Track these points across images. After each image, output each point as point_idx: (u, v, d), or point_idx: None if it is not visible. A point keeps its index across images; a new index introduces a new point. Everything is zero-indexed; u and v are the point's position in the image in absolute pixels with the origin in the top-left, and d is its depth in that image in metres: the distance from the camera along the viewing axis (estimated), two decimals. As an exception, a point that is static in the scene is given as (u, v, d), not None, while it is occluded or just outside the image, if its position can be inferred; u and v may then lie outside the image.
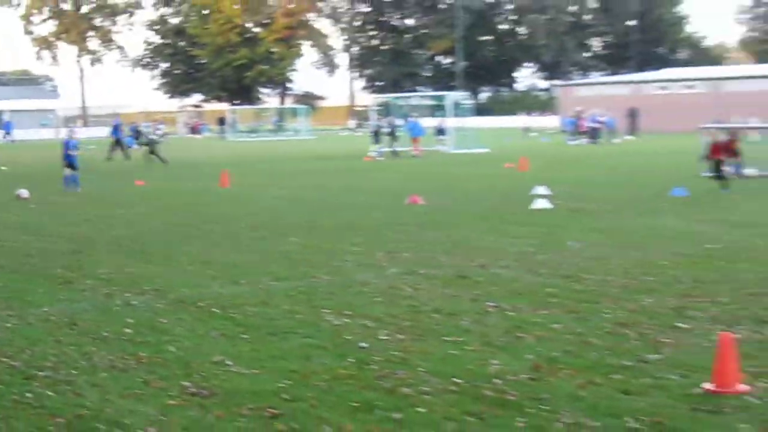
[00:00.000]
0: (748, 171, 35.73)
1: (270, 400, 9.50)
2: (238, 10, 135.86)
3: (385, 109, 75.46)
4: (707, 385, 9.51)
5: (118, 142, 54.66)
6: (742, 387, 9.41)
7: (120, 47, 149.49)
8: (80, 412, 9.30)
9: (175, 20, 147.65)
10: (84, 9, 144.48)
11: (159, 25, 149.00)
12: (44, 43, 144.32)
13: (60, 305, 14.64)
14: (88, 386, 10.18)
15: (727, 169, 29.87)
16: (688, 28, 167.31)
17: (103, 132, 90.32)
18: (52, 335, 12.67)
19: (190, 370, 10.69)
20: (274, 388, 9.88)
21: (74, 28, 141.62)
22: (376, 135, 57.81)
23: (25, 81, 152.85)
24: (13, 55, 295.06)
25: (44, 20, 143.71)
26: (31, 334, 12.75)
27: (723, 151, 29.19)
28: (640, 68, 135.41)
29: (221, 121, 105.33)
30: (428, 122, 68.61)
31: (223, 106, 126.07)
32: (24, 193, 33.26)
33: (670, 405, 9.05)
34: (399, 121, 66.34)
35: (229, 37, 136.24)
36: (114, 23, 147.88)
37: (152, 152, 52.08)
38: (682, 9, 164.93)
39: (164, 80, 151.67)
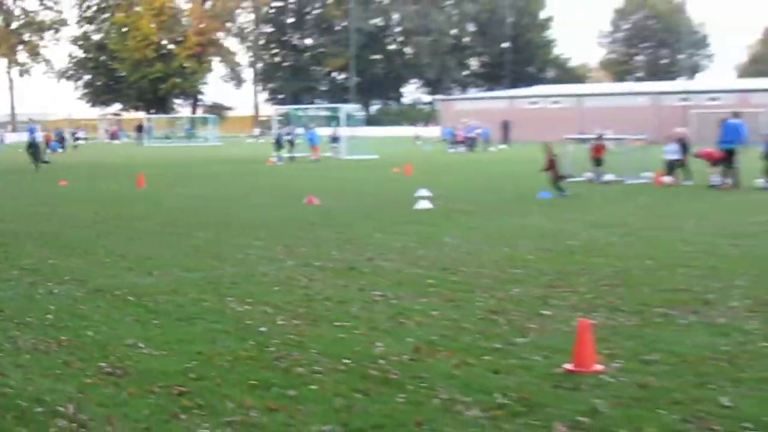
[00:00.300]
0: (607, 177, 36.32)
1: (178, 378, 9.44)
2: (154, 28, 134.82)
3: (286, 119, 75.38)
4: (567, 366, 9.61)
5: (30, 146, 52.38)
6: (598, 367, 9.53)
7: (47, 60, 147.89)
8: (4, 390, 9.14)
9: (97, 36, 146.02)
10: (14, 25, 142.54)
11: (82, 40, 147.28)
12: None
13: (-14, 294, 14.41)
14: (13, 367, 10.03)
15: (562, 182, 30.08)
16: (555, 50, 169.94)
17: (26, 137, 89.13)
18: (-21, 321, 12.46)
19: (106, 352, 10.57)
20: (181, 368, 9.82)
21: (4, 42, 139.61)
22: (278, 142, 57.76)
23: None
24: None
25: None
26: (-41, 320, 12.53)
27: (552, 166, 29.47)
28: (513, 85, 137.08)
29: (139, 129, 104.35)
30: (324, 131, 68.67)
31: (141, 115, 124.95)
32: None
33: (534, 383, 9.14)
34: (299, 130, 66.35)
35: (146, 52, 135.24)
36: (41, 38, 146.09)
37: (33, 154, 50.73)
38: (550, 33, 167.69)
39: (87, 90, 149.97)
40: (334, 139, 64.67)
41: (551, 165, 29.94)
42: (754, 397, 8.56)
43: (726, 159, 32.84)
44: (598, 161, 36.66)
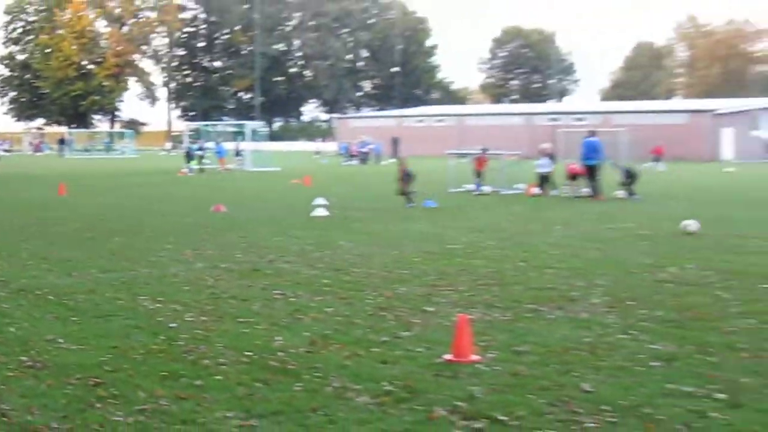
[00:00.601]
0: (485, 188, 36.66)
1: (94, 371, 9.29)
2: (75, 50, 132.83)
3: (197, 134, 74.77)
4: (447, 356, 9.66)
5: None
6: (475, 357, 9.59)
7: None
8: (-70, 383, 8.93)
9: (22, 56, 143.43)
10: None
11: (8, 60, 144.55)
12: None
13: None
14: (-62, 361, 9.79)
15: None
16: (440, 75, 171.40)
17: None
18: None
19: (27, 347, 10.37)
20: (97, 361, 9.67)
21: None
22: (189, 155, 57.38)
23: None
24: None
25: None
26: None
27: (403, 178, 29.53)
28: (402, 105, 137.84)
29: (61, 142, 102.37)
30: (229, 145, 68.44)
31: (62, 129, 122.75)
32: None
33: (418, 372, 9.18)
34: (208, 144, 65.93)
35: (68, 72, 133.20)
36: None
37: None
38: (434, 59, 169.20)
39: (12, 106, 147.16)
40: (237, 152, 64.62)
41: (403, 177, 29.91)
42: (612, 383, 8.70)
43: (588, 174, 33.34)
44: (479, 173, 36.95)
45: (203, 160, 57.93)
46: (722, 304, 12.61)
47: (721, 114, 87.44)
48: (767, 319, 11.51)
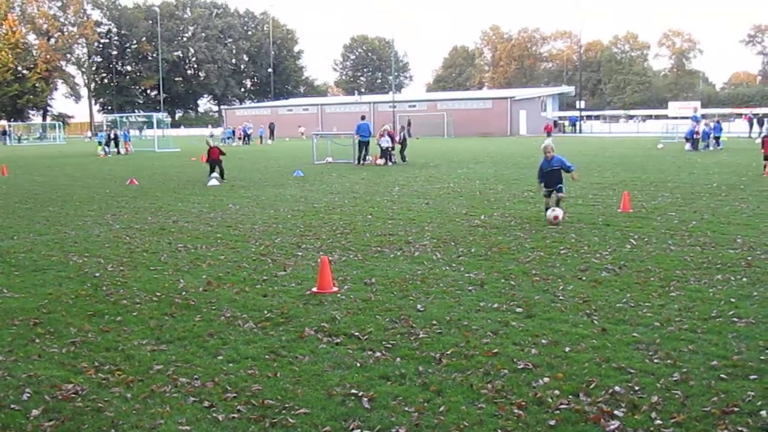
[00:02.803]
0: (329, 159, 36.81)
1: (33, 313, 8.97)
2: (11, 58, 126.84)
3: (113, 124, 72.47)
4: (314, 289, 9.68)
5: None
6: (335, 289, 9.64)
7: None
8: None
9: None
10: None
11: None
12: None
13: None
14: None
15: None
16: (305, 73, 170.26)
17: None
18: None
19: (-23, 297, 9.95)
20: (36, 306, 9.33)
21: None
22: (111, 139, 55.72)
23: None
24: None
25: None
26: None
27: (212, 156, 28.01)
28: (276, 98, 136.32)
29: (3, 133, 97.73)
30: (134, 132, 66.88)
31: (3, 123, 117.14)
32: None
33: (291, 302, 9.16)
34: (119, 132, 64.02)
35: (6, 76, 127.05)
36: None
37: None
38: (301, 62, 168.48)
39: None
40: (125, 136, 61.56)
41: (211, 155, 28.24)
42: (438, 304, 8.84)
43: (361, 146, 35.98)
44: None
45: (117, 145, 56.11)
46: (519, 242, 12.95)
47: (517, 100, 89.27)
48: (552, 252, 11.88)
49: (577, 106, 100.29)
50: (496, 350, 7.04)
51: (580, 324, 7.88)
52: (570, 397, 5.92)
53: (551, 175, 15.40)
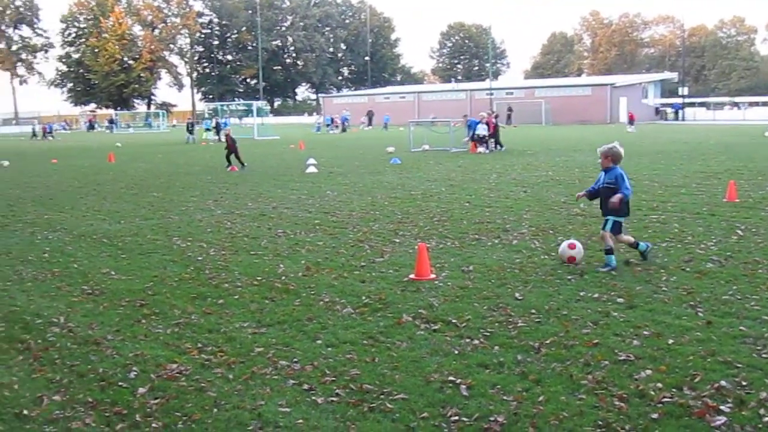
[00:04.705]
0: (425, 147, 36.77)
1: (139, 295, 9.27)
2: (118, 49, 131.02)
3: (214, 113, 74.07)
4: (411, 276, 9.69)
5: None
6: (432, 276, 9.64)
7: (40, 73, 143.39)
8: (13, 309, 8.88)
9: (76, 55, 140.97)
10: (13, 47, 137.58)
11: (66, 58, 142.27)
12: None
13: (-1, 240, 13.94)
14: (19, 292, 9.73)
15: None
16: (402, 61, 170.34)
17: (28, 129, 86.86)
18: (-7, 259, 12.05)
19: (87, 278, 10.33)
20: (142, 287, 9.65)
21: (7, 60, 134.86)
22: (213, 128, 57.40)
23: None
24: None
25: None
26: (-22, 259, 12.09)
27: (230, 146, 28.51)
28: (373, 86, 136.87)
29: (110, 121, 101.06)
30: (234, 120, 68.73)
31: (110, 111, 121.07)
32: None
33: (389, 288, 9.19)
34: (222, 120, 65.34)
35: (112, 66, 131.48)
36: (35, 57, 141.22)
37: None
38: (398, 50, 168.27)
39: (70, 95, 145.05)
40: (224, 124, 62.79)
41: (230, 145, 28.86)
42: (537, 293, 8.74)
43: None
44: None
45: (220, 132, 57.32)
46: (620, 231, 12.66)
47: (617, 87, 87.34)
48: (654, 242, 11.57)
49: (680, 93, 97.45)
50: (596, 341, 6.91)
51: (683, 316, 7.66)
52: (673, 390, 5.75)
53: (603, 195, 10.16)
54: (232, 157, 28.69)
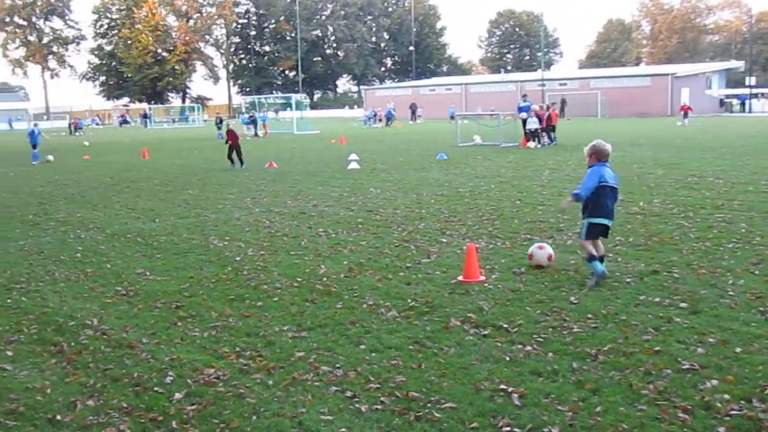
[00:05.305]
0: (476, 138, 36.69)
1: (175, 296, 9.37)
2: (151, 41, 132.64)
3: (251, 106, 74.61)
4: (459, 278, 9.67)
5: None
6: (482, 278, 9.60)
7: (71, 66, 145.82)
8: (45, 310, 9.03)
9: (108, 47, 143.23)
10: (45, 40, 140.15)
11: (98, 51, 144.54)
12: (17, 64, 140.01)
13: (31, 239, 14.18)
14: (51, 293, 9.90)
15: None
16: (448, 51, 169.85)
17: (62, 124, 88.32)
18: (26, 260, 12.26)
19: (121, 279, 10.48)
20: (178, 289, 9.75)
21: (38, 53, 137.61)
22: (252, 121, 58.06)
23: (4, 90, 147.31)
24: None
25: (16, 47, 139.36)
26: (10, 260, 12.31)
27: (232, 139, 27.96)
28: (417, 77, 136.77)
29: (144, 116, 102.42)
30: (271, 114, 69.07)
31: (144, 106, 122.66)
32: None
33: (436, 290, 9.18)
34: (260, 114, 65.80)
35: (146, 59, 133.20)
36: (66, 50, 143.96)
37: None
38: (443, 39, 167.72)
39: (102, 88, 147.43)
40: (263, 118, 63.24)
41: (233, 140, 28.26)
42: (593, 296, 8.66)
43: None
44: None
45: (255, 127, 57.79)
46: (683, 231, 12.51)
47: (679, 77, 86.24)
48: (720, 243, 11.42)
49: (747, 83, 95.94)
50: (657, 348, 6.83)
51: (752, 322, 7.54)
52: (742, 402, 5.66)
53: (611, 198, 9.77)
54: (234, 155, 28.06)
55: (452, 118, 71.88)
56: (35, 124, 40.03)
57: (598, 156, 9.81)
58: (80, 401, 6.14)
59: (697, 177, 19.94)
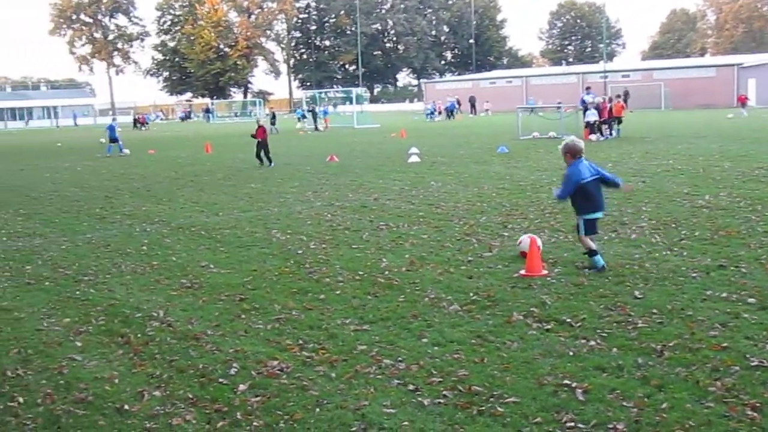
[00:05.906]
0: (535, 133, 36.30)
1: (238, 289, 9.47)
2: (213, 36, 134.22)
3: (312, 100, 75.04)
4: (522, 272, 9.61)
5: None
6: (544, 272, 9.53)
7: (135, 62, 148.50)
8: (112, 302, 9.20)
9: (172, 43, 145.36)
10: (110, 37, 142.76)
11: (161, 47, 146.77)
12: (83, 60, 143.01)
13: (98, 232, 14.45)
14: (118, 285, 10.07)
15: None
16: (509, 43, 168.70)
17: (127, 119, 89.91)
18: (93, 252, 12.49)
19: (186, 272, 10.62)
20: (241, 282, 9.85)
21: (103, 49, 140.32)
22: (312, 115, 58.34)
23: (71, 86, 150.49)
24: (62, 69, 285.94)
25: (83, 44, 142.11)
26: (78, 252, 12.57)
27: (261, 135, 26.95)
28: (477, 70, 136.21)
29: (206, 111, 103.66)
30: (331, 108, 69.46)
31: (206, 101, 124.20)
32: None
33: (498, 284, 9.14)
34: (321, 108, 66.11)
35: (208, 54, 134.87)
36: (131, 46, 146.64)
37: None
38: (504, 32, 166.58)
39: (166, 84, 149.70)
40: (324, 113, 63.54)
41: (262, 137, 27.24)
42: (659, 291, 8.53)
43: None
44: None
45: (316, 121, 58.07)
46: (750, 225, 12.26)
47: (746, 67, 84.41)
48: (789, 236, 11.16)
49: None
50: (725, 344, 6.70)
51: (823, 318, 7.36)
52: (813, 399, 5.54)
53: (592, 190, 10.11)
54: (262, 153, 27.11)
55: (532, 110, 71.64)
56: (114, 119, 40.93)
57: (573, 154, 10.03)
58: (147, 391, 6.24)
59: (765, 169, 19.51)
